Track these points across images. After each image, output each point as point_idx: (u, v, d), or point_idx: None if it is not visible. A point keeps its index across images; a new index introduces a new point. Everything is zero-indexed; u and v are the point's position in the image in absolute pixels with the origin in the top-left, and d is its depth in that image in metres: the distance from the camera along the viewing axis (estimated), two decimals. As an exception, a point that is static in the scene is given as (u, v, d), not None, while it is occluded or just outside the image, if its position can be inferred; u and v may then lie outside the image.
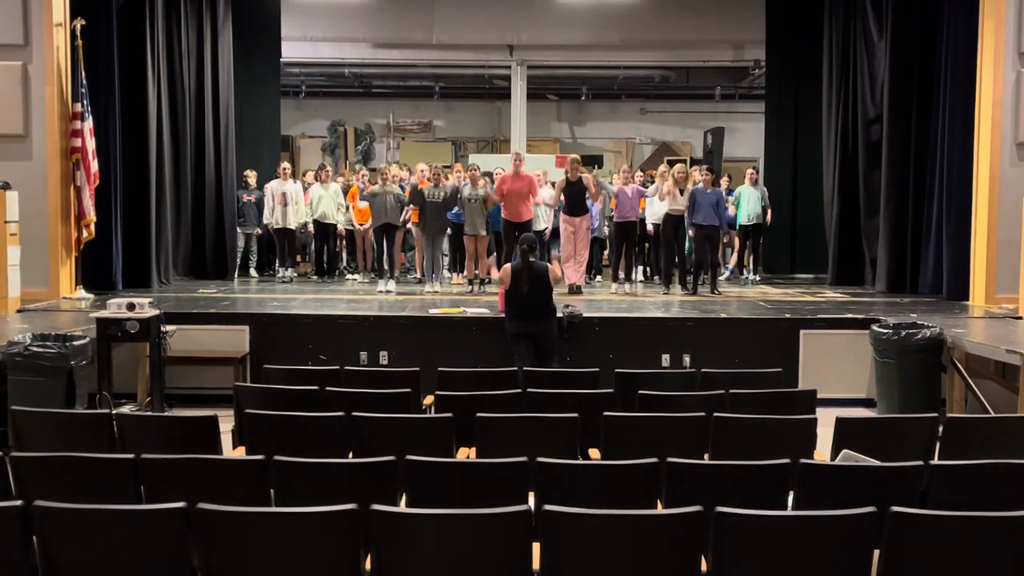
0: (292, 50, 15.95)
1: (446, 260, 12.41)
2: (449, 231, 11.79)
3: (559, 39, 16.75)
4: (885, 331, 7.94)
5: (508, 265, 7.99)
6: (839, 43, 12.54)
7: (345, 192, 12.84)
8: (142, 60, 11.05)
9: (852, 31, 12.34)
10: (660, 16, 16.45)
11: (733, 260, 13.76)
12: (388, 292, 11.03)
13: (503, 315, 8.82)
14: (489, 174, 12.39)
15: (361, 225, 12.47)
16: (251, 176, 13.20)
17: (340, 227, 12.91)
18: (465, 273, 11.69)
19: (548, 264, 8.02)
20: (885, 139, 11.47)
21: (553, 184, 12.15)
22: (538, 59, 17.52)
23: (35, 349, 6.86)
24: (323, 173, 12.79)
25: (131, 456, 4.01)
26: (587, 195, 11.07)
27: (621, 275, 11.48)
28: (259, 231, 13.30)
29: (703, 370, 6.26)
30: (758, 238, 13.39)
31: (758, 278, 13.17)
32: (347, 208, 12.74)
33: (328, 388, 5.59)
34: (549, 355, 7.74)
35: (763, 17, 14.39)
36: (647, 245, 13.00)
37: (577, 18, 16.32)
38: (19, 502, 3.33)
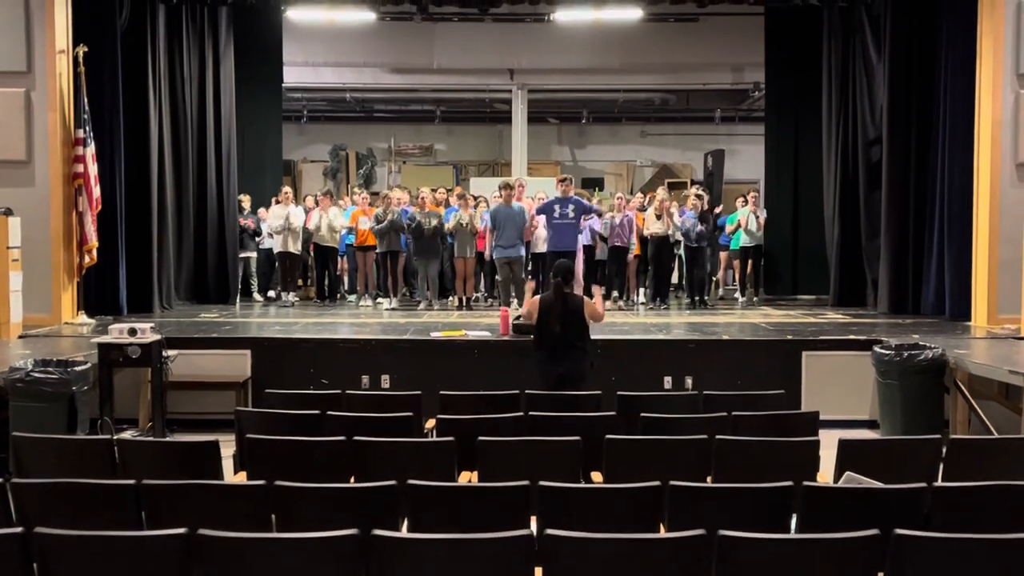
0: (294, 75, 16.03)
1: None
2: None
3: (559, 63, 16.84)
4: (887, 352, 7.93)
5: (537, 298, 7.04)
6: (838, 65, 12.60)
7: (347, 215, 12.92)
8: (144, 85, 11.11)
9: (851, 53, 12.41)
10: (660, 39, 16.54)
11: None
12: (392, 309, 11.69)
13: (505, 338, 8.86)
14: (486, 199, 12.59)
15: (361, 247, 12.50)
16: (245, 200, 13.27)
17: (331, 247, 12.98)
18: (455, 294, 12.22)
19: (585, 297, 7.17)
20: (885, 160, 11.50)
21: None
22: (538, 83, 17.61)
23: (36, 375, 6.86)
24: (323, 197, 12.81)
25: (132, 482, 4.01)
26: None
27: (615, 293, 12.21)
28: (255, 254, 13.40)
29: (705, 392, 6.25)
30: (758, 259, 13.43)
31: (757, 299, 13.19)
32: (350, 231, 12.77)
33: (329, 412, 5.58)
34: None
35: (762, 40, 14.46)
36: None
37: (577, 42, 16.41)
38: (20, 529, 3.32)
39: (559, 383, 6.73)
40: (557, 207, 11.11)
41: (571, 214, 11.06)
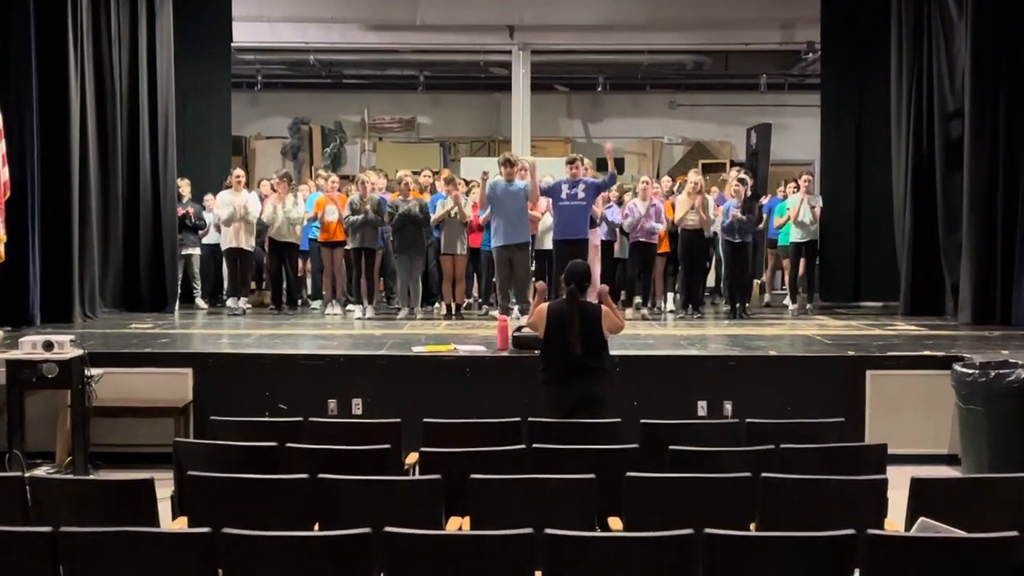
0: (246, 33, 16.04)
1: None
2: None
3: (570, 18, 16.85)
4: (971, 372, 7.93)
5: (544, 306, 7.04)
6: (910, 21, 12.61)
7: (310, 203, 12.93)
8: (63, 46, 11.10)
9: (926, 6, 12.42)
10: (693, -11, 16.58)
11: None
12: (365, 318, 11.75)
13: (503, 353, 8.85)
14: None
15: (328, 243, 12.50)
16: (184, 186, 13.27)
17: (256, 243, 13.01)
18: (442, 299, 12.28)
19: (603, 307, 7.04)
20: (967, 137, 11.50)
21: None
22: (544, 42, 17.62)
23: (-69, 398, 6.87)
24: (279, 181, 12.78)
25: (48, 529, 4.00)
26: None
27: (637, 299, 12.38)
28: (198, 251, 13.42)
29: (748, 420, 6.27)
30: (813, 258, 13.41)
31: (811, 307, 13.20)
32: (312, 222, 12.78)
33: (289, 444, 5.59)
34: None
35: (818, -10, 14.51)
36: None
37: (592, -8, 16.45)
38: (-89, 586, 3.33)
39: (573, 410, 6.70)
40: (565, 187, 11.16)
41: (581, 194, 11.09)
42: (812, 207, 12.95)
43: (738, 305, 12.29)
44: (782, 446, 5.52)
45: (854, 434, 7.82)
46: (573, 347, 6.72)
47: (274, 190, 12.76)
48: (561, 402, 6.79)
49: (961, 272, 11.68)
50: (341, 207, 12.21)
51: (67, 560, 3.95)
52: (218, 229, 12.93)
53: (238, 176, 12.78)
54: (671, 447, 5.46)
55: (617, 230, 12.41)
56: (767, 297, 14.46)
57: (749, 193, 12.42)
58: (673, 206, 12.69)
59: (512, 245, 11.28)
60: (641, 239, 12.24)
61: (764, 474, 4.86)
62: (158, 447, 7.61)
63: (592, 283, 11.29)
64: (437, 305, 12.58)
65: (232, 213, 12.33)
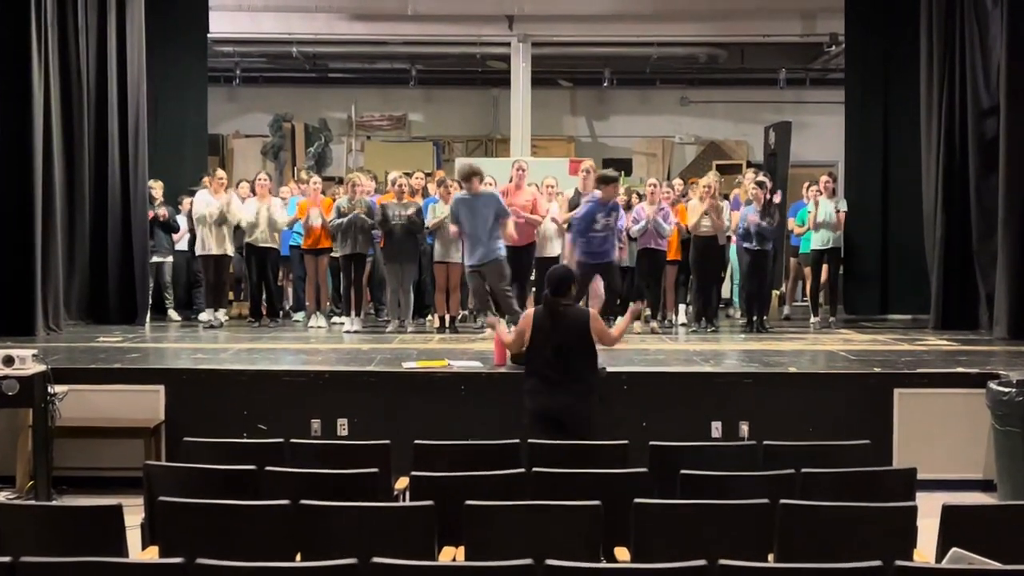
0: (224, 23, 16.05)
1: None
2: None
3: (573, 7, 16.87)
4: (1007, 390, 7.94)
5: (529, 312, 7.37)
6: (940, 11, 12.61)
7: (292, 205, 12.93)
8: (25, 36, 11.09)
9: (958, -5, 12.47)
10: (706, -23, 16.62)
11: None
12: (353, 331, 11.78)
13: (501, 370, 8.85)
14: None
15: (312, 250, 12.49)
16: (156, 188, 13.25)
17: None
18: (435, 311, 12.23)
19: (591, 310, 7.31)
20: (1003, 137, 11.52)
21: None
22: (546, 33, 17.62)
23: None
24: (262, 182, 12.76)
25: (7, 559, 4.01)
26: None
27: (646, 311, 12.33)
28: (170, 259, 13.41)
29: (766, 443, 6.27)
30: (836, 267, 13.39)
31: (835, 320, 13.20)
32: (291, 226, 12.78)
33: (269, 468, 5.59)
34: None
35: (841, -22, 14.54)
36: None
37: (597, -21, 16.48)
38: None
39: (555, 425, 6.82)
40: (601, 216, 10.80)
41: (613, 222, 10.97)
42: (838, 210, 12.92)
43: (755, 318, 12.28)
44: (803, 470, 5.53)
45: (881, 458, 7.81)
46: (547, 348, 6.89)
47: (254, 193, 12.66)
48: (542, 411, 6.92)
49: (997, 282, 11.69)
50: (326, 211, 12.19)
51: (28, 593, 3.96)
52: (192, 232, 12.91)
53: (220, 178, 12.68)
54: (683, 471, 5.47)
55: (625, 236, 12.37)
56: (787, 309, 14.46)
57: (768, 196, 12.41)
58: (687, 211, 12.64)
59: (485, 263, 10.78)
60: (651, 246, 12.17)
61: (783, 500, 4.87)
62: (127, 471, 7.61)
63: (594, 292, 11.39)
64: (430, 317, 12.57)
65: (214, 211, 12.24)
